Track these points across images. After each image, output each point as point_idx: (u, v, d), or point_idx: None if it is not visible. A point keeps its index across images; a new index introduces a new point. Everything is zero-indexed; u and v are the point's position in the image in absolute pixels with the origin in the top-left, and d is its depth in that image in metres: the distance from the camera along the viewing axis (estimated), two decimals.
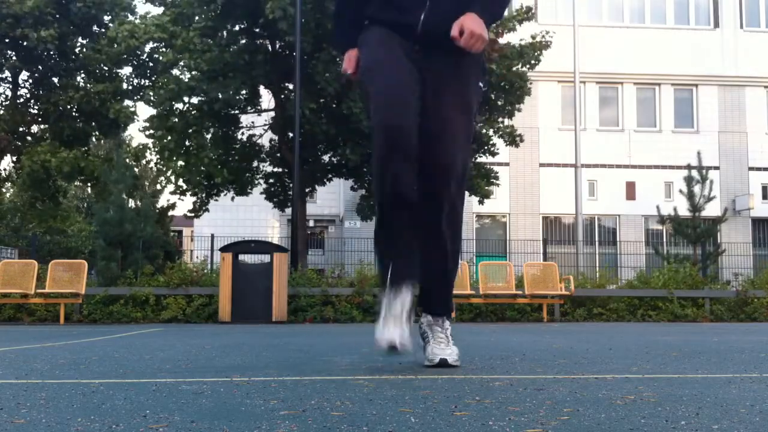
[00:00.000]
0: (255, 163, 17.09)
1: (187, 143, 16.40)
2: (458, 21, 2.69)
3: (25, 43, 18.15)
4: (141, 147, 19.94)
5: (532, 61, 15.83)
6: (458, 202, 2.94)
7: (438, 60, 2.88)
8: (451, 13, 2.81)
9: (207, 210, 17.71)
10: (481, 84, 2.99)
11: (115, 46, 17.75)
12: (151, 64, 19.47)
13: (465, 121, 2.89)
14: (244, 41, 15.68)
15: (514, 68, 15.52)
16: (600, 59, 21.72)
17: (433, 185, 2.81)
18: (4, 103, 20.45)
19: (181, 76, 15.69)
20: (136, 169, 16.73)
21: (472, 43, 2.68)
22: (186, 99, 15.65)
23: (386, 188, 2.74)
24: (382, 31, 2.90)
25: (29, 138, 20.51)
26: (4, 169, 21.70)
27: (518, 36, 15.73)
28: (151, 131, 16.56)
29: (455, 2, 2.84)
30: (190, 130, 16.05)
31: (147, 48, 18.79)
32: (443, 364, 2.78)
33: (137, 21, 18.10)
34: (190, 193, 17.06)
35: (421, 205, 2.80)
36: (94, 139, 21.67)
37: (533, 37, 16.04)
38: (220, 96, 14.52)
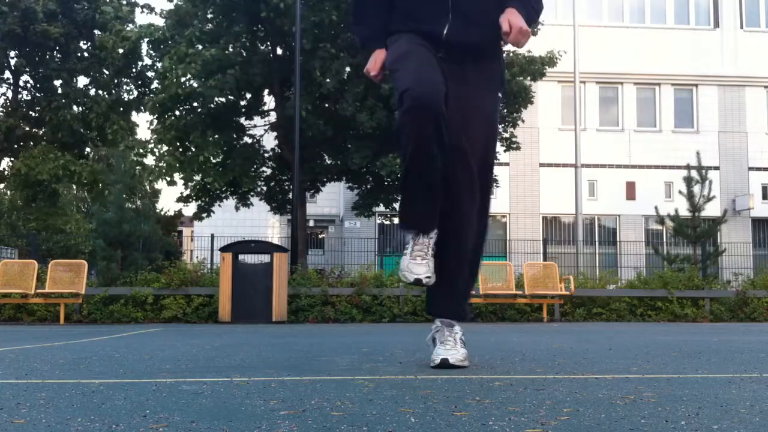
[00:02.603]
0: (255, 167, 17.03)
1: (189, 148, 16.34)
2: (504, 17, 2.73)
3: (34, 36, 18.12)
4: (142, 153, 19.87)
5: (536, 75, 15.88)
6: (486, 200, 2.98)
7: (460, 67, 2.91)
8: (477, 24, 2.85)
9: (210, 214, 17.66)
10: (499, 93, 3.06)
11: (111, 46, 17.81)
12: (149, 73, 19.50)
13: (487, 127, 2.94)
14: (243, 40, 15.64)
15: (518, 78, 15.53)
16: (600, 59, 21.70)
17: (460, 188, 2.85)
18: (3, 105, 20.45)
19: (182, 79, 15.56)
20: (138, 166, 16.68)
21: (518, 39, 2.72)
22: (184, 104, 15.58)
23: (413, 146, 2.71)
24: (411, 35, 2.94)
25: (28, 142, 20.50)
26: (3, 170, 21.71)
27: (533, 48, 15.71)
28: (155, 136, 16.53)
29: (483, 13, 2.86)
30: (190, 137, 15.97)
31: (144, 54, 18.81)
32: (444, 364, 2.77)
33: (131, 27, 18.21)
34: (194, 198, 17.06)
35: (450, 204, 2.86)
36: (90, 147, 21.66)
37: (549, 53, 16.05)
38: (218, 99, 14.42)
